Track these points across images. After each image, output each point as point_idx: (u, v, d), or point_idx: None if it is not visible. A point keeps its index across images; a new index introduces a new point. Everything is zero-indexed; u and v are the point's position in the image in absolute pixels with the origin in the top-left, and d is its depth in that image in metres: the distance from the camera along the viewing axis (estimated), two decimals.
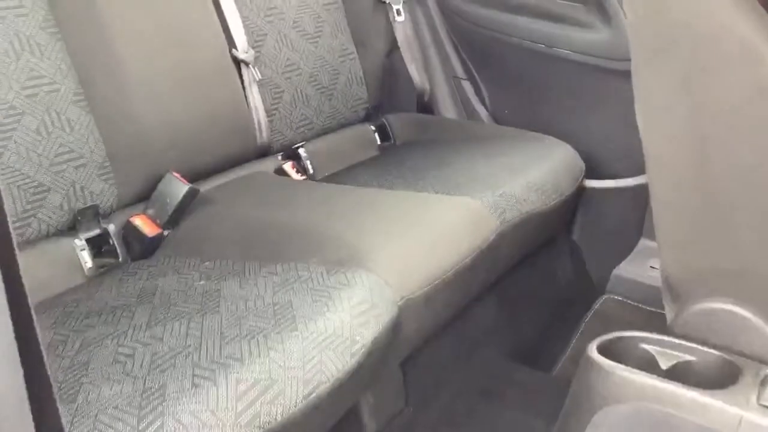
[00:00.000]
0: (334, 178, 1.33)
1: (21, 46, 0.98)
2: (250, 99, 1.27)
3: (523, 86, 1.51)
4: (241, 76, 1.26)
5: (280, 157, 1.32)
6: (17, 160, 0.96)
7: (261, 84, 1.28)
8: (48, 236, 0.99)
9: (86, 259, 1.00)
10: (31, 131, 0.97)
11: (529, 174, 1.17)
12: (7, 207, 0.35)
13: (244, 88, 1.26)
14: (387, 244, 0.92)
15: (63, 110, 1.01)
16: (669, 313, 0.91)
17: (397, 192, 1.13)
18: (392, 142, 1.53)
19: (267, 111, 1.30)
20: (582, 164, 1.28)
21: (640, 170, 1.35)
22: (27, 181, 0.96)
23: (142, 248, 1.04)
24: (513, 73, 1.51)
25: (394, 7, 1.51)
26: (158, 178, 1.10)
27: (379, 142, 1.51)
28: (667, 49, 0.77)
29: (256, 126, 1.28)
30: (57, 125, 1.00)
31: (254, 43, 1.30)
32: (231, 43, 1.24)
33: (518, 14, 1.44)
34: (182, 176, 1.11)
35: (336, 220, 1.00)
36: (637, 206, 1.37)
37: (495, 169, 1.19)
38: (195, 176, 1.17)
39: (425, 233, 0.97)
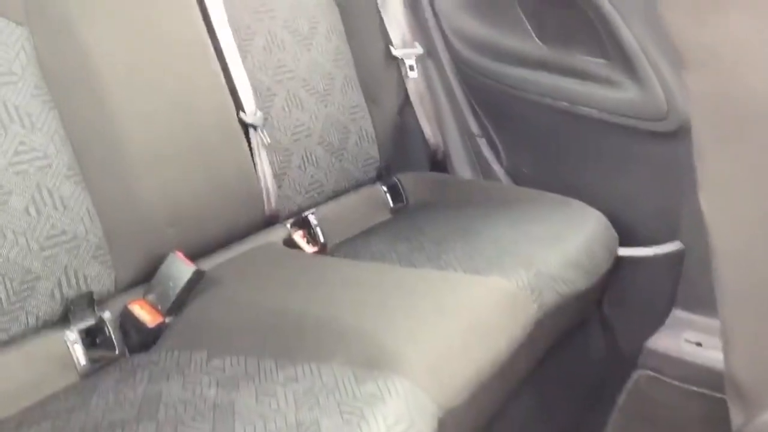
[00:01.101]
0: (347, 247, 1.23)
1: (9, 117, 0.89)
2: (258, 164, 1.18)
3: (544, 145, 1.43)
4: (248, 140, 1.17)
5: (289, 226, 1.23)
6: (2, 246, 0.85)
7: (269, 148, 1.19)
8: (37, 329, 0.89)
9: (79, 355, 0.89)
10: (20, 212, 0.87)
11: (563, 247, 1.08)
12: None
13: (251, 153, 1.17)
14: (417, 338, 0.82)
15: (55, 187, 0.92)
16: (735, 415, 0.82)
17: (420, 271, 1.04)
18: (405, 203, 1.44)
19: (275, 176, 1.21)
20: (615, 234, 1.20)
21: (672, 235, 1.27)
22: (14, 269, 0.86)
23: (141, 339, 0.94)
24: (532, 131, 1.43)
25: (407, 63, 1.44)
26: (159, 258, 1.00)
27: (391, 204, 1.42)
28: (742, 127, 0.69)
29: (264, 193, 1.19)
30: (48, 204, 0.91)
31: (262, 104, 1.21)
32: (238, 106, 1.15)
33: (536, 69, 1.37)
34: (185, 252, 1.02)
35: (356, 307, 0.90)
36: (669, 274, 1.29)
37: (524, 241, 1.10)
38: (199, 251, 1.07)
39: (458, 324, 0.87)
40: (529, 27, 1.36)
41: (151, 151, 1.02)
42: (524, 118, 1.43)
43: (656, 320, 1.31)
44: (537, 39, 1.35)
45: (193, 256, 1.04)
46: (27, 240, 0.88)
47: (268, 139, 1.18)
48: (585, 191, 1.30)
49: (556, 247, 1.08)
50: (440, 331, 0.85)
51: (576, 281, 1.03)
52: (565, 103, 1.34)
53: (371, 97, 1.42)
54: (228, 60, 1.15)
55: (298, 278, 1.02)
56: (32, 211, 0.88)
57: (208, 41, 1.12)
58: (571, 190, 1.30)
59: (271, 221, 1.22)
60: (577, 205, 1.25)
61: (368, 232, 1.30)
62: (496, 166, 1.49)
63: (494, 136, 1.49)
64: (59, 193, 0.92)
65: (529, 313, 0.94)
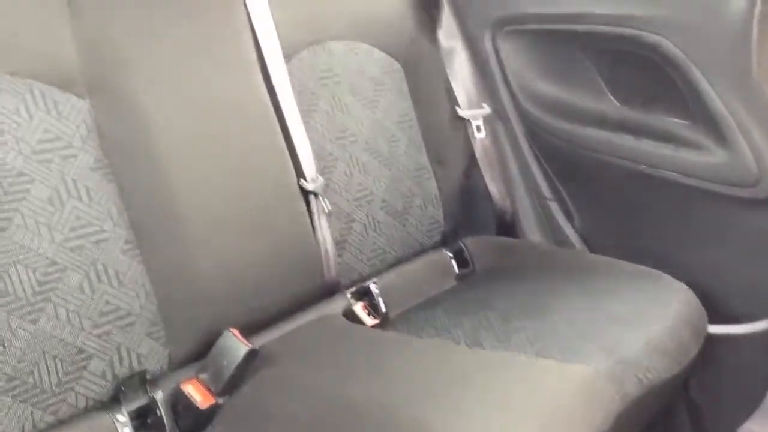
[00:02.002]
0: (409, 320, 1.17)
1: (68, 191, 0.87)
2: (318, 232, 1.13)
3: (621, 210, 1.34)
4: (308, 206, 1.13)
5: (349, 295, 1.17)
6: (56, 326, 0.83)
7: (330, 214, 1.15)
8: (86, 410, 0.85)
9: None
10: (74, 290, 0.85)
11: (647, 328, 0.99)
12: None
13: (311, 220, 1.13)
14: None
15: (111, 262, 0.89)
16: None
17: (488, 353, 0.96)
18: (471, 269, 1.37)
19: (336, 243, 1.17)
20: (704, 312, 1.09)
21: (766, 311, 1.16)
22: (66, 348, 0.83)
23: (193, 420, 0.89)
24: (608, 194, 1.35)
25: (474, 123, 1.38)
26: (214, 334, 0.95)
27: (457, 270, 1.35)
28: None
29: (324, 261, 1.14)
30: (104, 280, 0.88)
31: (323, 169, 1.17)
32: (299, 172, 1.12)
33: (612, 130, 1.29)
34: (241, 326, 0.97)
35: (419, 397, 0.83)
36: (764, 353, 1.17)
37: (603, 321, 1.01)
38: (255, 324, 1.03)
39: (530, 417, 0.79)
40: (604, 86, 1.29)
41: (208, 221, 0.99)
42: (600, 181, 1.34)
43: (750, 404, 1.19)
44: (613, 98, 1.28)
45: (250, 329, 1.00)
46: (80, 318, 0.85)
47: (329, 207, 1.14)
48: (668, 261, 1.20)
49: (639, 328, 0.99)
50: (510, 426, 0.77)
51: (662, 368, 0.94)
52: (643, 166, 1.25)
53: (436, 159, 1.37)
54: (290, 126, 1.12)
55: (357, 358, 0.96)
56: (86, 288, 0.86)
57: (271, 108, 1.09)
58: (652, 259, 1.20)
59: (330, 290, 1.17)
60: (661, 277, 1.15)
61: (432, 303, 1.24)
62: (569, 231, 1.41)
63: (567, 199, 1.41)
64: (115, 269, 0.89)
65: (610, 405, 0.85)
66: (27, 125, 0.85)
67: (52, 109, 0.88)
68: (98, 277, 0.87)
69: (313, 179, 1.13)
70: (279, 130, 1.09)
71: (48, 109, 0.87)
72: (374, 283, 1.20)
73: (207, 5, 1.04)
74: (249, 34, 1.09)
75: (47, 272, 0.83)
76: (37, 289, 0.82)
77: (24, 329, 0.80)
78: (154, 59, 0.96)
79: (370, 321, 1.15)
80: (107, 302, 0.88)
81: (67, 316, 0.84)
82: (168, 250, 0.95)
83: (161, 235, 0.94)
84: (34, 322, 0.81)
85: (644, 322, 1.00)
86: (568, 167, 1.39)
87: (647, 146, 1.24)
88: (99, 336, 0.87)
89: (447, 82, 1.37)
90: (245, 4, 1.09)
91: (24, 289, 0.81)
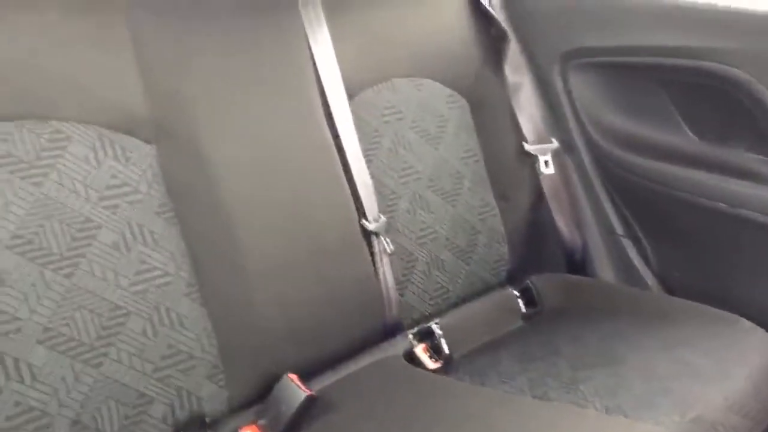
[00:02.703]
0: (473, 364, 1.13)
1: (133, 236, 0.89)
2: (380, 272, 1.12)
3: (699, 249, 1.27)
4: (370, 246, 1.11)
5: (410, 336, 1.15)
6: (117, 370, 0.84)
7: (392, 254, 1.14)
8: None
9: None
10: (137, 333, 0.86)
11: (727, 384, 0.92)
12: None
13: (372, 259, 1.12)
14: None
15: (174, 305, 0.90)
16: None
17: (554, 406, 0.92)
18: (539, 308, 1.32)
19: (398, 283, 1.15)
20: None
21: None
22: (128, 392, 0.85)
23: None
24: (685, 232, 1.28)
25: (541, 158, 1.34)
26: (273, 376, 0.95)
27: (523, 310, 1.31)
28: None
29: (385, 302, 1.12)
30: (166, 323, 0.89)
31: (386, 208, 1.16)
32: (360, 212, 1.11)
33: (689, 166, 1.22)
34: (301, 368, 0.97)
35: None
36: None
37: (680, 373, 0.95)
38: (315, 366, 1.02)
39: None
40: (680, 119, 1.23)
41: (269, 262, 0.99)
42: (675, 218, 1.28)
43: None
44: (690, 133, 1.22)
45: (309, 372, 0.99)
46: (142, 362, 0.86)
47: (391, 247, 1.12)
48: (751, 306, 1.12)
49: (717, 383, 0.92)
50: None
51: (741, 429, 0.87)
52: (723, 205, 1.18)
53: (502, 195, 1.33)
54: (352, 165, 1.11)
55: (417, 407, 0.93)
56: (149, 331, 0.87)
57: (333, 148, 1.09)
58: (733, 303, 1.13)
59: (391, 332, 1.15)
60: (742, 324, 1.07)
61: (497, 344, 1.20)
62: (643, 270, 1.34)
63: (641, 236, 1.35)
64: (177, 312, 0.90)
65: None
66: (96, 172, 0.87)
67: (120, 156, 0.90)
68: (161, 320, 0.89)
69: (374, 219, 1.12)
70: (341, 171, 1.09)
71: (116, 156, 0.89)
72: (436, 323, 1.17)
73: (272, 48, 1.05)
74: (312, 74, 1.09)
75: (111, 317, 0.85)
76: (102, 333, 0.84)
77: (87, 374, 0.82)
78: (219, 103, 0.98)
79: (431, 364, 1.12)
80: (169, 345, 0.89)
81: (130, 360, 0.85)
82: (229, 293, 0.95)
83: (222, 278, 0.95)
84: (97, 366, 0.83)
85: (723, 376, 0.94)
86: (642, 203, 1.32)
87: (726, 183, 1.17)
88: (160, 379, 0.87)
89: (513, 116, 1.34)
90: (309, 45, 1.09)
91: (89, 334, 0.83)
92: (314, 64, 1.09)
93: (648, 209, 1.32)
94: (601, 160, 1.36)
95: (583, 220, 1.41)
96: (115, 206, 0.88)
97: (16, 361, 0.79)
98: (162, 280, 0.90)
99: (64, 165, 0.85)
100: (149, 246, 0.90)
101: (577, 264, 1.40)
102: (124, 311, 0.86)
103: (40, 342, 0.80)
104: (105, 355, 0.84)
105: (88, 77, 0.88)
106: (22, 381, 0.79)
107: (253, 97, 1.01)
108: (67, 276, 0.83)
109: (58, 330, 0.81)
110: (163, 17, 0.95)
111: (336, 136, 1.10)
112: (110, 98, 0.90)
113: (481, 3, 1.34)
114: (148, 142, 0.92)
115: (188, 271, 0.93)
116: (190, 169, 0.95)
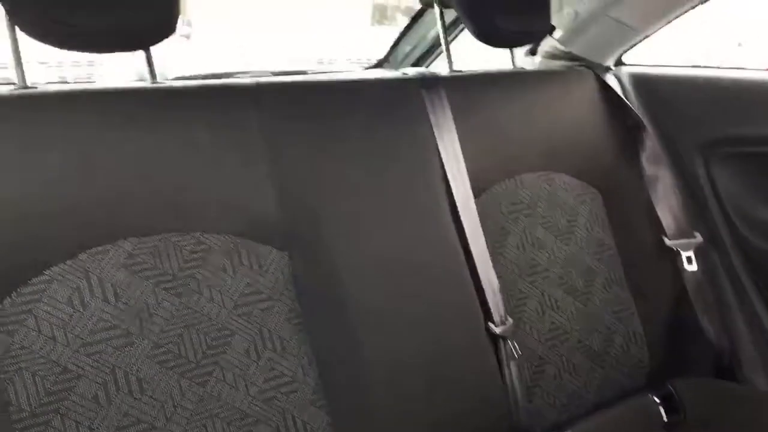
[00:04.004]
0: None
1: (264, 343, 0.91)
2: (507, 377, 1.08)
3: None
4: (496, 350, 1.08)
5: None
6: None
7: (520, 358, 1.09)
8: None
9: None
10: None
11: None
12: None
13: (499, 364, 1.08)
14: None
15: (300, 412, 0.91)
16: None
17: None
18: (683, 417, 1.21)
19: (526, 389, 1.10)
20: None
21: None
22: None
23: None
24: None
25: (683, 254, 1.26)
26: None
27: (665, 418, 1.21)
28: None
29: (512, 409, 1.08)
30: (292, 431, 0.90)
31: (513, 309, 1.13)
32: (486, 315, 1.08)
33: None
34: None
35: None
36: None
37: None
38: None
39: None
40: None
41: (393, 368, 0.98)
42: None
43: None
44: None
45: None
46: None
47: (519, 351, 1.08)
48: None
49: None
50: None
51: None
52: None
53: (640, 294, 1.26)
54: (478, 266, 1.09)
55: None
56: None
57: (460, 249, 1.08)
58: None
59: None
60: None
61: None
62: None
63: None
64: (302, 419, 0.91)
65: None
66: (231, 280, 0.91)
67: (254, 263, 0.93)
68: (287, 428, 0.90)
69: (501, 321, 1.08)
70: (467, 273, 1.07)
71: (251, 264, 0.93)
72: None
73: (401, 153, 1.07)
74: (440, 174, 1.09)
75: (241, 425, 0.87)
76: None
77: None
78: (348, 209, 1.00)
79: None
80: None
81: None
82: (352, 399, 0.95)
83: (346, 382, 0.95)
84: None
85: None
86: None
87: None
88: None
89: (651, 209, 1.27)
90: (437, 146, 1.10)
91: None
92: (442, 164, 1.10)
93: None
94: (750, 256, 1.25)
95: (732, 321, 1.29)
96: (249, 314, 0.91)
97: None
98: (289, 388, 0.91)
99: (203, 275, 0.90)
100: (278, 353, 0.92)
101: (725, 368, 1.28)
102: (253, 419, 0.88)
103: None
104: None
105: (228, 190, 0.93)
106: None
107: (381, 202, 1.03)
108: (201, 384, 0.86)
109: None
110: (297, 130, 0.99)
111: (462, 236, 1.09)
112: (247, 209, 0.94)
113: (615, 92, 1.31)
114: (281, 249, 0.95)
115: (314, 378, 0.94)
116: (319, 275, 0.97)
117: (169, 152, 0.89)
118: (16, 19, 0.81)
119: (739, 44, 3.50)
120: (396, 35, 1.71)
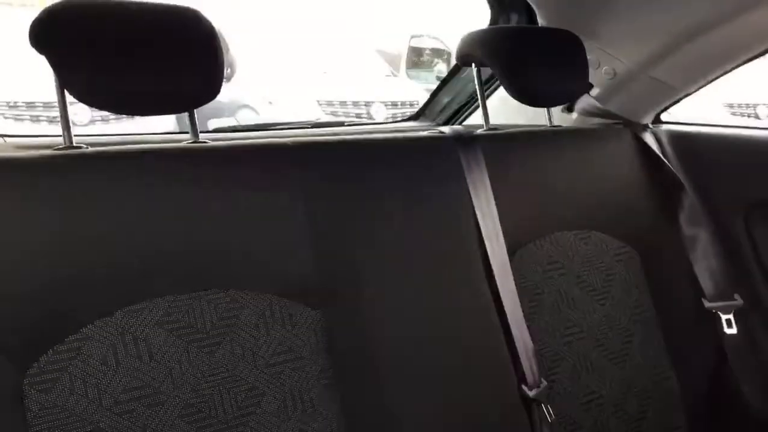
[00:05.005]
0: None
1: (293, 403, 0.91)
2: None
3: None
4: (530, 414, 1.06)
5: None
6: None
7: (553, 422, 1.07)
8: None
9: None
10: None
11: None
12: None
13: (532, 429, 1.05)
14: None
15: None
16: None
17: None
18: None
19: None
20: None
21: None
22: None
23: None
24: None
25: (723, 317, 1.22)
26: None
27: None
28: None
29: None
30: None
31: (547, 371, 1.11)
32: (520, 377, 1.06)
33: None
34: None
35: None
36: None
37: None
38: None
39: None
40: None
41: (423, 429, 0.97)
42: None
43: None
44: None
45: None
46: None
47: (553, 415, 1.06)
48: None
49: None
50: None
51: None
52: None
53: (678, 357, 1.23)
54: (512, 327, 1.07)
55: None
56: None
57: (494, 309, 1.06)
58: None
59: None
60: None
61: None
62: None
63: None
64: None
65: None
66: (264, 339, 0.91)
67: (287, 322, 0.93)
68: None
69: (535, 384, 1.06)
70: (501, 334, 1.06)
71: (284, 322, 0.93)
72: None
73: (438, 214, 1.06)
74: (474, 234, 1.09)
75: None
76: None
77: None
78: (383, 269, 1.00)
79: None
80: None
81: None
82: None
83: None
84: None
85: None
86: None
87: None
88: None
89: (690, 270, 1.24)
90: (473, 207, 1.09)
91: None
92: (477, 223, 1.09)
93: None
94: None
95: None
96: (280, 373, 0.91)
97: None
98: None
99: (236, 333, 0.90)
100: (308, 413, 0.91)
101: None
102: None
103: None
104: None
105: (266, 249, 0.93)
106: None
107: (416, 262, 1.02)
108: None
109: None
110: (337, 189, 0.99)
111: (497, 296, 1.08)
112: (284, 267, 0.94)
113: (653, 151, 1.29)
114: (314, 308, 0.95)
115: None
116: (352, 334, 0.96)
117: (209, 211, 0.90)
118: (65, 82, 0.83)
119: None
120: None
